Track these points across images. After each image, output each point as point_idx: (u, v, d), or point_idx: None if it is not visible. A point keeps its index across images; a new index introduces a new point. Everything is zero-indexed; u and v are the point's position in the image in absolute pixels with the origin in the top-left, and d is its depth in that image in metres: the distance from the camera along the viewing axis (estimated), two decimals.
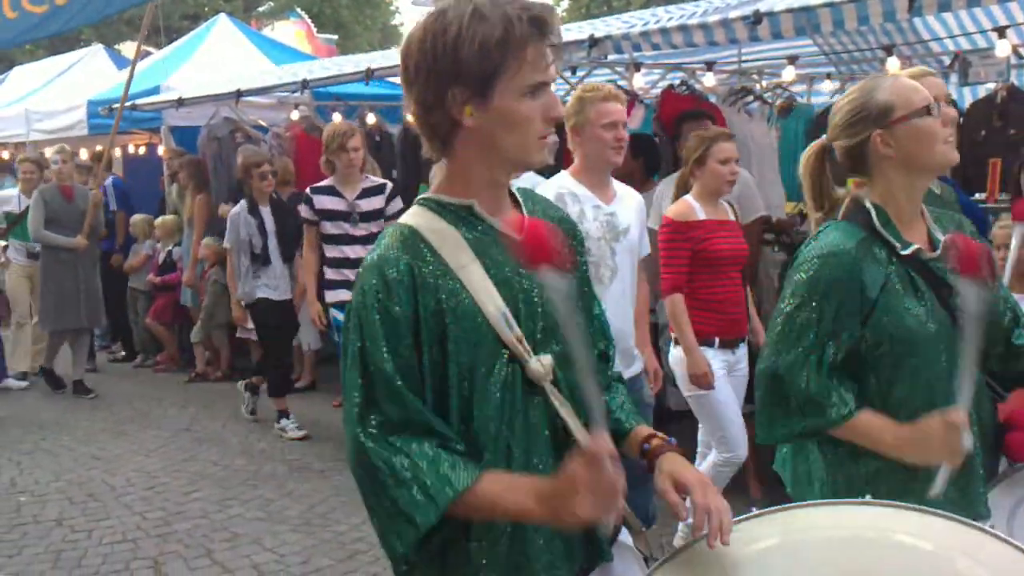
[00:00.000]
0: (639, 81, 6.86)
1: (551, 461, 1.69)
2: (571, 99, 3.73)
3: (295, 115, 9.29)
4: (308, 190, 6.08)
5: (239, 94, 8.70)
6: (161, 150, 10.04)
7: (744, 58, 7.61)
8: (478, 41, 1.56)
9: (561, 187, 3.73)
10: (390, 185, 6.18)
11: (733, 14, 5.19)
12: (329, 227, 5.97)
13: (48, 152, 8.60)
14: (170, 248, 9.26)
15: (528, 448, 1.68)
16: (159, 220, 9.49)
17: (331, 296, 6.02)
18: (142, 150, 11.89)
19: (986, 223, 4.52)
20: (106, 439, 6.84)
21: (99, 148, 11.35)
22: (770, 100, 7.43)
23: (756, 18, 4.97)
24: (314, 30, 22.09)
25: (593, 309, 1.94)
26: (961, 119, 6.51)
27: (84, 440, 6.81)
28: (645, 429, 1.85)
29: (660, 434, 1.83)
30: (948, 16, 6.58)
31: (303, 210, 6.04)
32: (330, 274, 6.02)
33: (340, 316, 5.83)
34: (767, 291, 5.69)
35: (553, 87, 5.89)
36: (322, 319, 6.08)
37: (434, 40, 1.59)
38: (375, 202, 6.03)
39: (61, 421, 7.34)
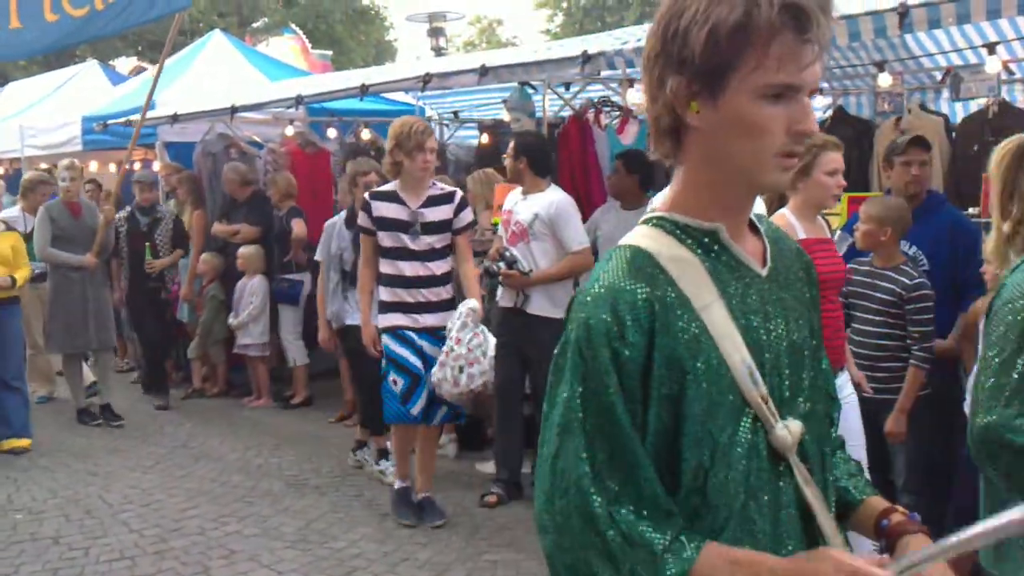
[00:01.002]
0: (633, 97, 6.90)
1: (802, 545, 1.42)
2: None
3: (290, 131, 9.34)
4: (367, 195, 5.31)
5: (234, 110, 8.73)
6: (156, 166, 10.06)
7: None
8: (710, 24, 1.30)
9: None
10: (460, 193, 5.37)
11: None
12: (385, 239, 5.16)
13: (43, 166, 8.39)
14: None
15: (777, 528, 1.40)
16: None
17: (383, 321, 5.22)
18: (137, 166, 11.89)
19: (979, 238, 4.55)
20: (102, 456, 6.83)
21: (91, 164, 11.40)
22: None
23: None
24: (308, 46, 22.13)
25: (822, 361, 1.60)
26: (953, 134, 6.57)
27: (80, 457, 6.81)
28: (880, 501, 1.57)
29: (900, 508, 1.55)
30: (939, 33, 6.63)
31: (360, 218, 5.27)
32: (383, 294, 5.24)
33: (394, 346, 5.16)
34: None
35: (548, 101, 5.83)
36: (377, 346, 5.30)
37: (668, 23, 1.35)
38: (442, 212, 5.19)
39: (57, 438, 7.33)
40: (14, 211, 8.85)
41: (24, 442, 6.94)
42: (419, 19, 20.34)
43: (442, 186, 5.32)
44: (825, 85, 8.15)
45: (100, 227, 7.68)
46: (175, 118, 9.17)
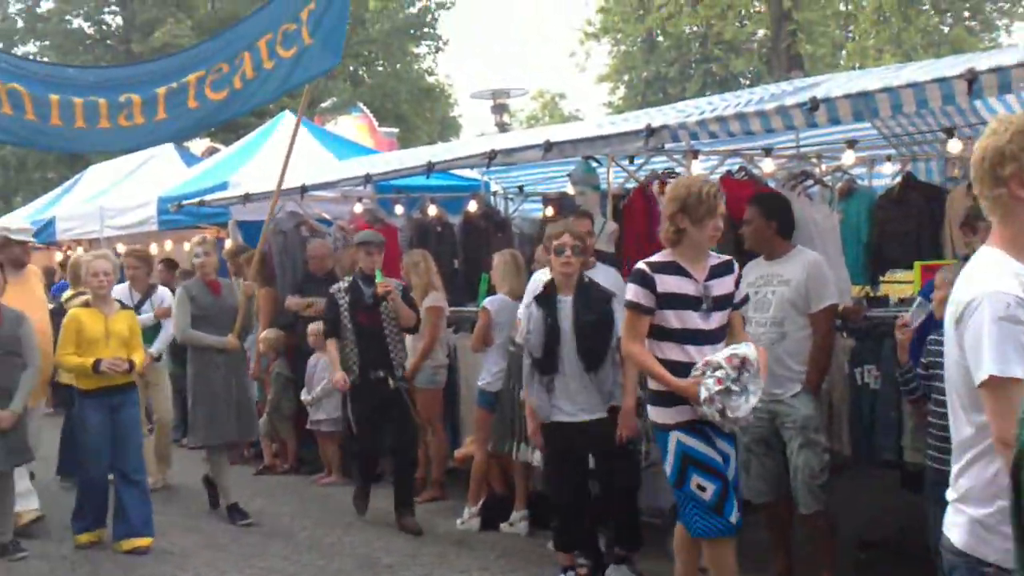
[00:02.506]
0: (696, 168, 6.91)
1: None
2: (1006, 134, 2.37)
3: (358, 208, 9.51)
4: (644, 266, 4.43)
5: (304, 189, 8.92)
6: (228, 243, 10.30)
7: (802, 142, 7.64)
8: None
9: (1020, 273, 2.38)
10: (735, 262, 4.60)
11: (790, 101, 5.22)
12: (671, 318, 4.34)
13: (188, 245, 8.12)
14: None
15: None
16: None
17: (674, 415, 4.36)
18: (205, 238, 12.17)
19: None
20: (177, 533, 6.87)
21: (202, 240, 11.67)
22: (830, 183, 7.42)
23: (813, 105, 4.99)
24: (375, 124, 22.66)
25: None
26: None
27: (156, 535, 6.83)
28: None
29: None
30: (1010, 97, 6.54)
31: (637, 293, 4.36)
32: (659, 384, 4.40)
33: (694, 443, 4.33)
34: (836, 379, 5.62)
35: (612, 174, 5.72)
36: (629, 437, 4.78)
37: None
38: (726, 284, 4.44)
39: None
40: (123, 286, 8.43)
41: (145, 541, 6.39)
42: (483, 96, 20.70)
43: (717, 254, 4.55)
44: (893, 152, 8.09)
45: (240, 305, 7.21)
46: (247, 198, 9.39)
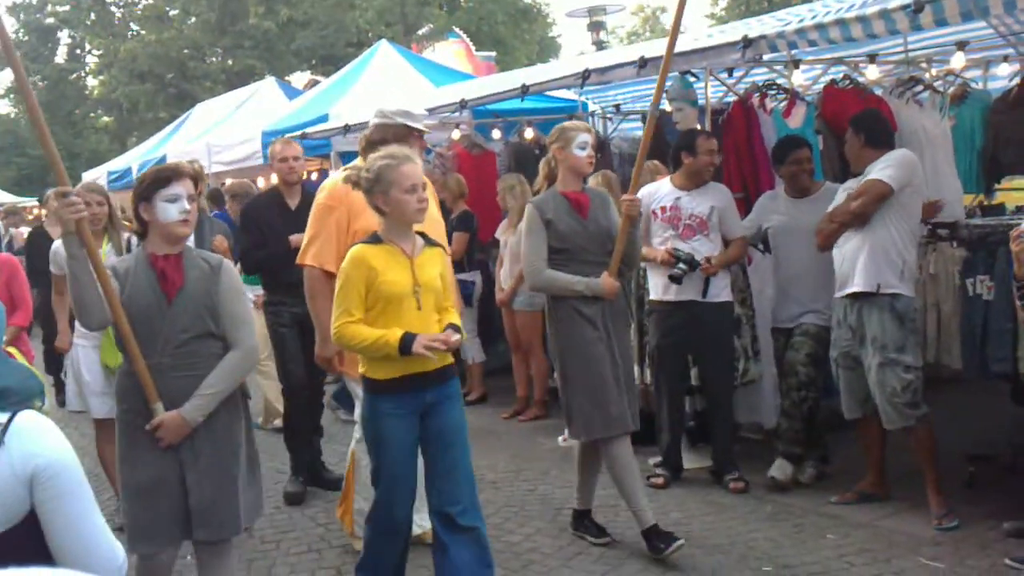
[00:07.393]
0: (798, 78, 6.70)
1: None
2: None
3: (456, 134, 9.54)
4: None
5: None
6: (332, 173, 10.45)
7: (911, 46, 7.31)
8: None
9: None
10: None
11: (892, 4, 5.00)
12: None
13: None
14: None
15: None
16: None
17: None
18: (314, 175, 12.42)
19: None
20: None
21: None
22: (942, 88, 7.09)
23: (917, 6, 4.77)
24: (472, 49, 22.54)
25: None
26: None
27: (270, 453, 7.10)
28: None
29: None
30: None
31: None
32: None
33: None
34: (946, 291, 5.47)
35: (710, 88, 5.73)
36: None
37: None
38: None
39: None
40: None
41: None
42: (579, 14, 20.34)
43: None
44: (1011, 51, 7.66)
45: (621, 229, 4.71)
46: (347, 128, 9.51)
